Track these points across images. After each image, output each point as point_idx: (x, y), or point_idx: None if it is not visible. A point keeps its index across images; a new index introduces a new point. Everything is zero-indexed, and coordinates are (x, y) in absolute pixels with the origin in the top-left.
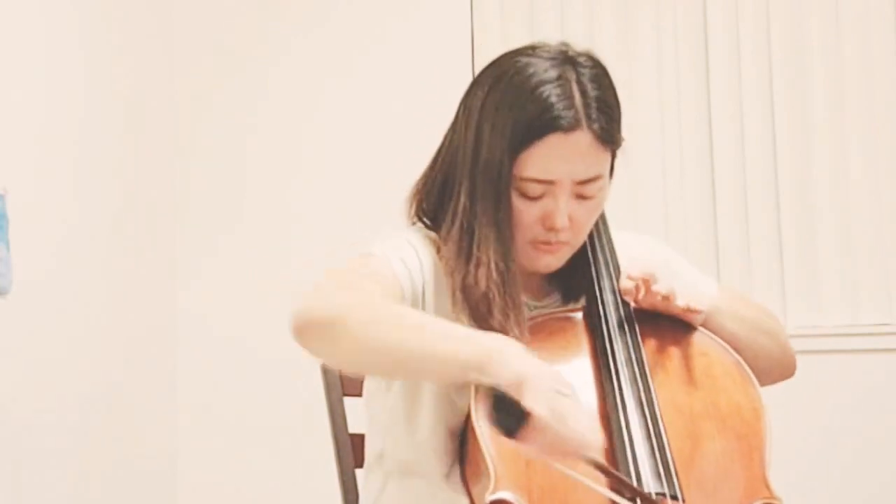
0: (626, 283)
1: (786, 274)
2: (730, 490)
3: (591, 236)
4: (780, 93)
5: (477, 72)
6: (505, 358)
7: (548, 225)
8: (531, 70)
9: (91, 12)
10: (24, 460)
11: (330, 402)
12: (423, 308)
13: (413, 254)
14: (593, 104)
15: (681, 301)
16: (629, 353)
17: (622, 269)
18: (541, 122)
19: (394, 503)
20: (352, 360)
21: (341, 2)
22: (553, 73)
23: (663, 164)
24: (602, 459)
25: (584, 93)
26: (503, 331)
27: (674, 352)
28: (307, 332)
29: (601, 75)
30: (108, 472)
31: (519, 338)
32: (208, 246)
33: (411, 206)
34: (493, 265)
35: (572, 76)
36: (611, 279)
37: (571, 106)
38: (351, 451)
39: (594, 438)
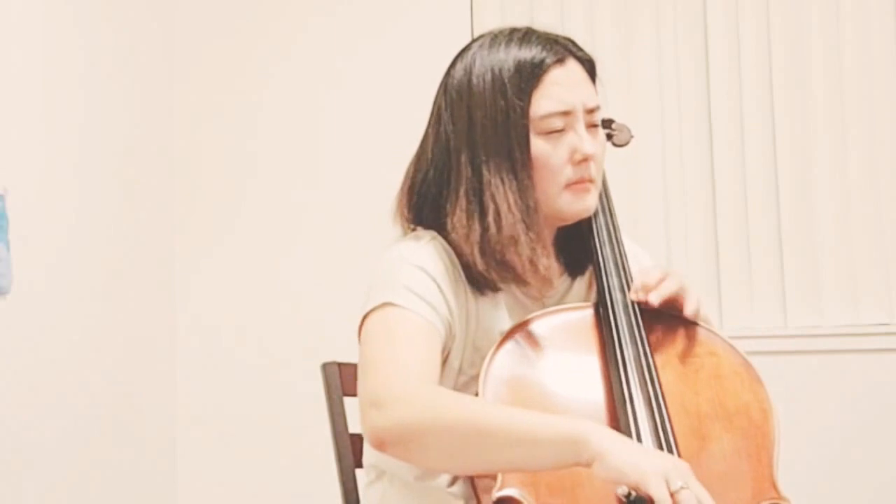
0: (637, 286)
1: (786, 274)
2: (737, 490)
3: (598, 229)
4: (780, 93)
5: None
6: (614, 448)
7: (577, 158)
8: (499, 42)
9: (91, 13)
10: (24, 460)
11: (330, 402)
12: (451, 320)
13: (424, 278)
14: (567, 43)
15: (690, 307)
16: (638, 352)
17: (632, 271)
18: (539, 60)
19: None
20: (448, 467)
21: (341, 3)
22: (520, 33)
23: (663, 164)
24: None
25: (554, 39)
26: (532, 266)
27: (682, 351)
28: (390, 448)
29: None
30: (108, 472)
31: (548, 268)
32: (208, 246)
33: (402, 212)
34: (511, 205)
35: (535, 31)
36: (620, 278)
37: (552, 46)
38: (351, 451)
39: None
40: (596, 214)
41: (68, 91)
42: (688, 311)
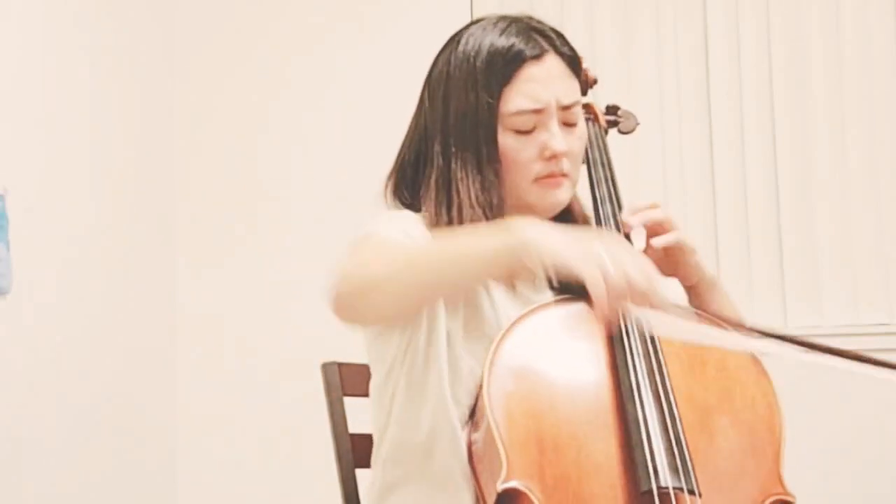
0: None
1: (786, 274)
2: (745, 485)
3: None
4: (780, 93)
5: None
6: (537, 245)
7: (547, 154)
8: (484, 29)
9: (91, 13)
10: (24, 460)
11: (330, 402)
12: None
13: (413, 224)
14: (552, 35)
15: (672, 236)
16: (645, 343)
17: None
18: (513, 55)
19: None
20: (404, 303)
21: (341, 3)
22: (504, 23)
23: (663, 164)
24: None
25: (539, 30)
26: None
27: (688, 344)
28: (346, 304)
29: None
30: (108, 472)
31: None
32: (208, 245)
33: (385, 194)
34: (473, 201)
35: (521, 20)
36: None
37: (532, 39)
38: (351, 451)
39: (650, 272)
40: (602, 202)
41: (68, 91)
42: (669, 238)
